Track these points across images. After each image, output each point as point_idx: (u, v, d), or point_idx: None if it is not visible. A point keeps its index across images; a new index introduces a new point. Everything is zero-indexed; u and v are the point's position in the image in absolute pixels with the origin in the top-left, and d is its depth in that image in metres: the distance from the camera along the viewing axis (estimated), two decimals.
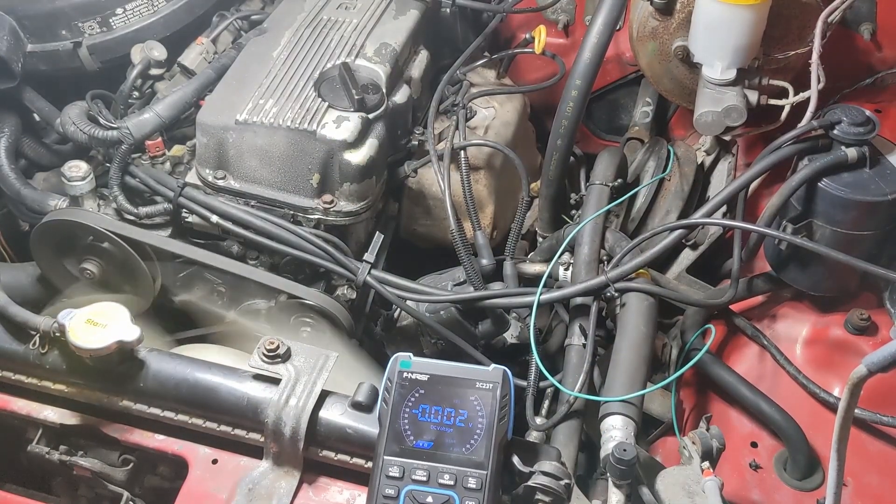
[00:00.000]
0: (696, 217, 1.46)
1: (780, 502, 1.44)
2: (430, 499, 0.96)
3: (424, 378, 1.03)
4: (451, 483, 0.96)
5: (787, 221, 1.46)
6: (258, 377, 1.13)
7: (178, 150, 1.62)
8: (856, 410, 1.41)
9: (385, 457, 0.99)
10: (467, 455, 0.98)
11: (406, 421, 1.01)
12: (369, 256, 1.48)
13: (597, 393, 1.39)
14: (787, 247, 1.46)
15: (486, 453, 0.98)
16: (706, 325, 1.54)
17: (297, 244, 1.48)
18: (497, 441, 0.99)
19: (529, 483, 0.99)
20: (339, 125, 1.49)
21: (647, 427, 1.55)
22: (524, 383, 1.44)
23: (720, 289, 1.62)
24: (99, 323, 1.11)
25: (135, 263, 1.50)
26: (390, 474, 0.98)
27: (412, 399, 1.02)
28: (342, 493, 1.09)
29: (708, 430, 1.29)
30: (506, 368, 1.08)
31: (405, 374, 1.04)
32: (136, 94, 1.67)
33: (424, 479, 0.97)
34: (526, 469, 1.00)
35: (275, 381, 1.11)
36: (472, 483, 0.96)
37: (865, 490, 1.44)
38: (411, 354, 1.07)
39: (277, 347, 1.12)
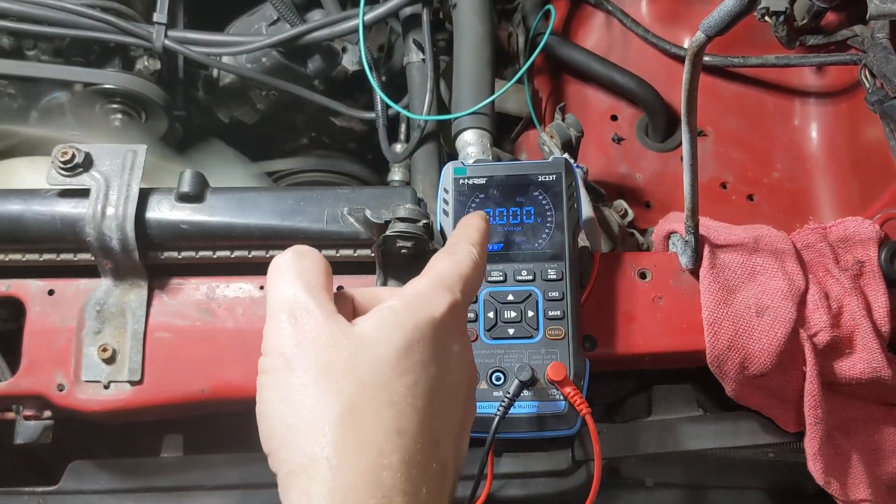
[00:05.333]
0: None
1: (646, 168, 1.45)
2: (510, 296, 0.93)
3: (482, 181, 0.98)
4: (531, 278, 0.93)
5: None
6: (65, 193, 0.99)
7: None
8: (706, 58, 1.38)
9: None
10: (542, 249, 0.95)
11: None
12: (160, 16, 1.27)
13: (448, 108, 1.30)
14: None
15: (562, 244, 0.94)
16: (546, 7, 1.43)
17: (70, 21, 1.25)
18: (571, 230, 0.95)
19: (387, 233, 0.93)
20: None
21: (510, 127, 1.50)
22: (372, 115, 1.34)
23: None
24: None
25: None
26: None
27: (473, 205, 0.97)
28: (199, 288, 1.02)
29: (564, 120, 1.24)
30: (567, 156, 1.07)
31: (461, 181, 0.98)
32: None
33: (501, 279, 0.94)
34: (380, 220, 0.93)
35: (84, 194, 0.98)
36: (551, 274, 0.93)
37: (725, 135, 1.46)
38: (464, 161, 1.02)
39: (73, 156, 0.97)
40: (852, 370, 1.00)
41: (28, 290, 1.01)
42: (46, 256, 1.01)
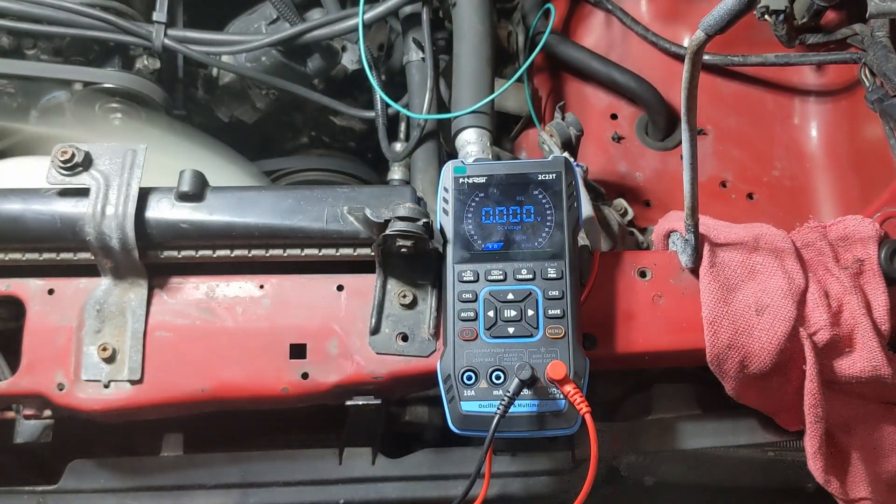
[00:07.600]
0: None
1: (646, 167, 1.45)
2: (510, 295, 0.93)
3: (482, 180, 0.98)
4: (530, 277, 0.93)
5: None
6: (64, 193, 0.99)
7: None
8: (706, 56, 1.38)
9: (455, 265, 0.95)
10: (542, 248, 0.95)
11: (471, 226, 0.96)
12: (159, 15, 1.27)
13: (448, 107, 1.30)
14: None
15: (562, 243, 0.94)
16: (546, 5, 1.43)
17: (70, 21, 1.25)
18: (571, 229, 0.95)
19: (387, 232, 0.93)
20: None
21: (509, 125, 1.50)
22: (372, 114, 1.34)
23: None
24: None
25: None
26: (465, 279, 0.94)
27: (473, 204, 0.97)
28: (199, 287, 1.02)
29: (563, 118, 1.24)
30: (567, 155, 1.08)
31: (461, 181, 0.98)
32: None
33: (501, 277, 0.94)
34: (380, 219, 0.93)
35: (84, 193, 0.98)
36: (551, 273, 0.93)
37: (725, 134, 1.46)
38: (463, 160, 1.01)
39: (73, 156, 0.97)
40: (852, 369, 1.00)
41: (28, 289, 1.01)
42: (46, 255, 1.01)
